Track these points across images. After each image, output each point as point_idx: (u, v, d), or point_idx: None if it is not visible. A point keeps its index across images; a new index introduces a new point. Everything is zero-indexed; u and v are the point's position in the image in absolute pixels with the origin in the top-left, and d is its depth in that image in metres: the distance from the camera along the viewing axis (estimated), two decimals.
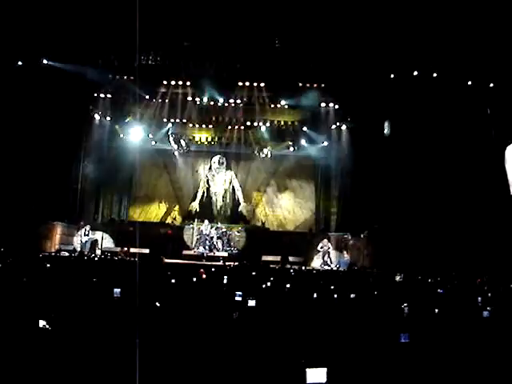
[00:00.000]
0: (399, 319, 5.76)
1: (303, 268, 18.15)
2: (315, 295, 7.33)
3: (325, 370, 3.09)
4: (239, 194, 24.20)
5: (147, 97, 21.74)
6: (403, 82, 18.59)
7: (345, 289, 8.75)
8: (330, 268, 19.47)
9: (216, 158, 24.18)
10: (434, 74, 18.06)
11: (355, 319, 5.53)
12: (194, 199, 24.06)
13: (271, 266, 17.88)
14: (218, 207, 24.06)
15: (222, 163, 24.19)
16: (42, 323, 4.42)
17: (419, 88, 18.24)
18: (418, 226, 18.14)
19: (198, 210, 23.72)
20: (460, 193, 17.93)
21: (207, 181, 24.19)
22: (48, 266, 9.96)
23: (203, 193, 24.11)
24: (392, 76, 18.66)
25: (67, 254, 18.58)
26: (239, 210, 24.03)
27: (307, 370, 3.07)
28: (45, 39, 17.75)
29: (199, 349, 3.91)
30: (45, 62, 18.50)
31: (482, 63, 17.14)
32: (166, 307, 5.44)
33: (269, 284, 9.52)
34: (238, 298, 6.56)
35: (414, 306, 6.15)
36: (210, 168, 24.31)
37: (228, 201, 24.17)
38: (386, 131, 20.33)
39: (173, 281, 7.81)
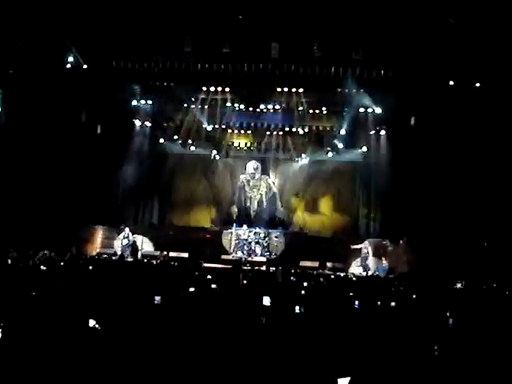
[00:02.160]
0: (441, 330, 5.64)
1: (342, 274, 18.03)
2: (356, 302, 7.26)
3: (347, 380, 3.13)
4: (276, 199, 24.20)
5: (186, 104, 22.05)
6: (440, 88, 18.38)
7: (386, 297, 8.65)
8: (368, 274, 19.26)
9: (251, 164, 24.24)
10: (477, 84, 17.80)
11: (395, 328, 5.46)
12: (231, 204, 24.23)
13: (309, 271, 17.78)
14: (255, 212, 24.10)
15: (257, 168, 24.22)
16: (91, 323, 4.55)
17: (458, 96, 18.04)
18: (461, 233, 17.88)
19: (236, 214, 23.85)
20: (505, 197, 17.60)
21: (243, 186, 24.28)
22: (90, 268, 10.17)
23: (240, 198, 24.22)
24: (427, 79, 18.41)
25: (107, 257, 18.93)
26: (276, 214, 24.07)
27: (338, 380, 3.11)
28: (86, 45, 18.16)
29: (232, 354, 3.94)
30: (85, 66, 18.82)
31: None
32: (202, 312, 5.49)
33: (307, 290, 9.46)
34: (266, 303, 6.52)
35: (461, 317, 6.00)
36: (247, 173, 24.37)
37: (264, 206, 24.20)
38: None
39: (213, 286, 7.85)
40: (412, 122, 19.88)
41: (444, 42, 16.66)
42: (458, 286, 11.84)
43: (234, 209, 24.08)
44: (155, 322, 4.68)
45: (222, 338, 4.33)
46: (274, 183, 24.52)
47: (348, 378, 3.16)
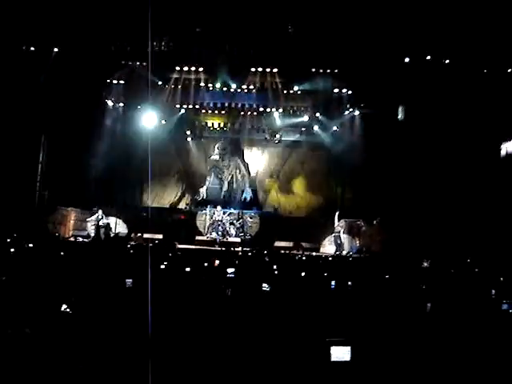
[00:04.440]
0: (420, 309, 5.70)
1: (314, 254, 18.20)
2: (333, 283, 7.30)
3: (349, 348, 3.15)
4: (245, 180, 24.07)
5: (160, 83, 21.75)
6: (417, 67, 18.45)
7: (360, 275, 8.75)
8: (342, 254, 19.44)
9: (219, 144, 24.06)
10: (447, 61, 17.92)
11: (375, 303, 5.51)
12: (201, 185, 24.06)
13: (283, 251, 17.86)
14: (226, 193, 24.00)
15: (225, 149, 24.02)
16: (63, 307, 4.50)
17: (433, 73, 18.12)
18: (432, 212, 18.10)
19: (205, 196, 23.69)
20: (475, 178, 17.83)
21: (214, 167, 24.14)
22: (62, 253, 10.05)
23: (211, 179, 24.05)
24: (406, 60, 18.48)
25: (81, 239, 18.76)
26: (244, 195, 24.00)
27: (332, 347, 3.13)
28: (57, 25, 17.79)
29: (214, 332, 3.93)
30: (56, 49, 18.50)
31: (497, 49, 16.93)
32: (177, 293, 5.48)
33: (279, 271, 9.50)
34: (230, 275, 6.53)
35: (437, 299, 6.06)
36: (215, 154, 24.21)
37: (235, 186, 24.10)
38: (400, 116, 20.24)
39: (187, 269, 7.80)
40: (400, 115, 20.12)
41: (420, 19, 16.72)
42: (425, 264, 11.95)
43: (202, 190, 23.88)
44: (127, 304, 4.65)
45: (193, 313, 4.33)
46: (246, 164, 24.42)
47: (343, 347, 3.18)
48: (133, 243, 17.87)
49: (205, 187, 23.88)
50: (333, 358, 3.11)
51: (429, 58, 18.04)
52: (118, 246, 14.83)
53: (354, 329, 4.17)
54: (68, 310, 4.46)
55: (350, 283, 7.77)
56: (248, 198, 23.87)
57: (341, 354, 3.14)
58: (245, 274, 6.86)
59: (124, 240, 18.19)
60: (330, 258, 15.82)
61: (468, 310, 5.57)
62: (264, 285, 6.06)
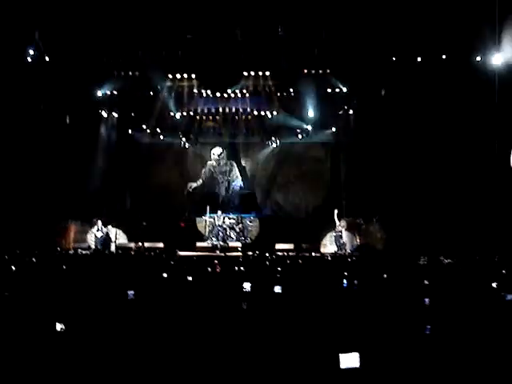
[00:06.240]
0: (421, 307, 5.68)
1: (315, 254, 18.21)
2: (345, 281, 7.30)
3: (358, 354, 3.12)
4: (237, 183, 24.13)
5: (152, 93, 21.83)
6: (406, 64, 18.52)
7: (362, 273, 8.74)
8: (344, 253, 19.45)
9: (216, 150, 24.10)
10: (443, 56, 17.95)
11: (379, 305, 5.50)
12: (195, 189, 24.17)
13: (283, 253, 17.83)
14: (223, 198, 24.04)
15: (221, 154, 24.10)
16: (59, 326, 4.44)
17: (422, 70, 18.19)
18: (430, 208, 18.12)
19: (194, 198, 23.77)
20: (472, 173, 17.81)
21: (212, 173, 24.18)
22: (64, 266, 10.02)
23: (208, 184, 24.11)
24: (394, 59, 18.56)
25: (82, 251, 18.72)
26: (234, 198, 24.03)
27: (340, 355, 3.10)
28: (48, 36, 17.86)
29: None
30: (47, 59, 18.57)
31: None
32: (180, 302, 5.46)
33: (282, 274, 9.48)
34: (246, 289, 6.49)
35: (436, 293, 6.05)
36: (212, 159, 24.26)
37: (231, 191, 24.13)
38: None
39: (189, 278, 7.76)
40: (382, 93, 20.03)
41: (411, 17, 16.74)
42: (422, 261, 11.89)
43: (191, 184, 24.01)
44: (129, 318, 4.62)
45: (203, 329, 4.30)
46: (243, 168, 24.47)
47: (352, 354, 3.15)
48: (133, 252, 17.88)
49: (194, 185, 24.05)
50: (342, 366, 3.09)
51: (419, 59, 18.11)
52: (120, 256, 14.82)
53: (362, 333, 4.16)
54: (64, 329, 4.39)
55: (356, 282, 7.75)
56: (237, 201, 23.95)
57: (350, 360, 3.12)
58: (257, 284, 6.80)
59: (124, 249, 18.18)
60: (330, 258, 15.83)
61: (470, 304, 5.56)
62: (276, 287, 6.05)
